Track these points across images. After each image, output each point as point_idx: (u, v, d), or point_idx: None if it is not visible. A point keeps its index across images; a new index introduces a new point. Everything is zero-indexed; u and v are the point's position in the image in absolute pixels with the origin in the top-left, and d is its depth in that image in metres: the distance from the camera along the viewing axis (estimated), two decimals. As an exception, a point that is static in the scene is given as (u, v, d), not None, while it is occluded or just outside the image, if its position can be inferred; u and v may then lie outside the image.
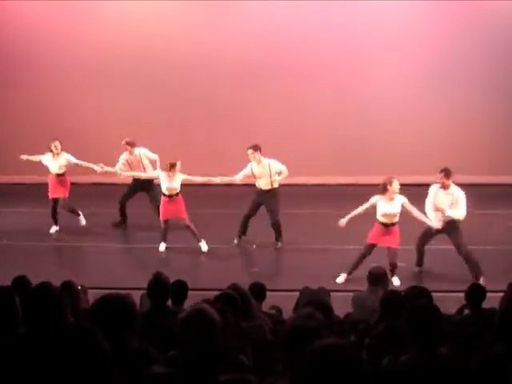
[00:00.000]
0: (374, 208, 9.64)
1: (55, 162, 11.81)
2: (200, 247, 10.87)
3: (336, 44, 14.68)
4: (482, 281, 9.11)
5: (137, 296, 6.58)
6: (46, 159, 11.88)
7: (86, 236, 11.86)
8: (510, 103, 14.71)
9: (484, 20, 14.43)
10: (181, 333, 3.21)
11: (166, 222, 10.91)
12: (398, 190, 9.42)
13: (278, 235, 11.10)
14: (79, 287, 6.46)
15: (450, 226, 9.65)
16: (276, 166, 11.12)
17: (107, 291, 3.78)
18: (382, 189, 9.42)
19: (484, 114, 14.74)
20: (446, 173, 9.63)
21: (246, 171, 11.09)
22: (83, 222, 12.05)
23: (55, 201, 11.91)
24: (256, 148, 10.98)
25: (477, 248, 10.37)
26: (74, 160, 11.85)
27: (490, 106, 14.70)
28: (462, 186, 9.90)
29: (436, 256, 9.84)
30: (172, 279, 5.94)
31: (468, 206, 9.65)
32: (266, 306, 7.07)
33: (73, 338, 2.68)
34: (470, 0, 14.49)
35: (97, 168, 11.84)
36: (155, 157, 12.12)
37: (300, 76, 14.71)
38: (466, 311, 6.44)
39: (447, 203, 9.61)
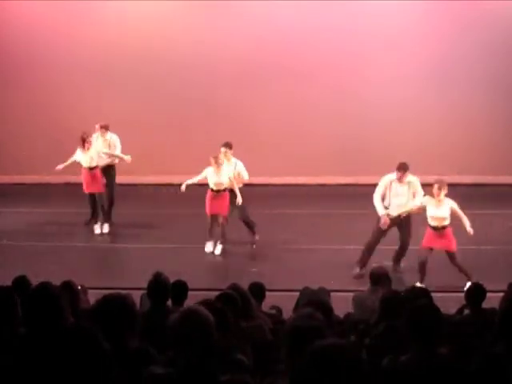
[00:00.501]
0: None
1: (86, 154, 11.69)
2: (216, 248, 10.88)
3: (336, 44, 14.69)
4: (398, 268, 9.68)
5: (137, 296, 6.58)
6: (78, 156, 11.76)
7: (86, 236, 11.85)
8: (510, 103, 14.71)
9: (484, 20, 14.44)
10: (174, 334, 3.18)
11: (212, 217, 10.82)
12: (438, 194, 9.25)
13: (251, 229, 11.12)
14: (79, 287, 6.45)
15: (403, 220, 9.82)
16: (240, 168, 11.07)
17: (107, 291, 3.78)
18: (430, 193, 9.43)
19: (484, 114, 14.74)
20: (401, 168, 9.71)
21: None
22: (98, 230, 11.91)
23: (92, 195, 11.84)
24: (230, 146, 11.00)
25: (477, 248, 10.38)
26: (104, 150, 11.79)
27: (489, 106, 14.70)
28: (462, 186, 9.91)
29: (436, 256, 9.82)
30: (172, 279, 5.93)
31: (468, 207, 9.64)
32: (265, 306, 7.07)
33: (73, 338, 2.67)
34: (470, 0, 14.50)
35: (126, 158, 11.81)
36: (118, 153, 12.13)
37: (300, 76, 14.71)
38: (466, 311, 6.44)
39: (407, 194, 9.71)
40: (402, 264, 9.93)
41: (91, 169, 11.72)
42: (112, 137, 12.18)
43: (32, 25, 15.07)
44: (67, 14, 15.01)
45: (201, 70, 14.82)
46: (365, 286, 7.57)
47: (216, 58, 14.80)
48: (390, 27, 14.50)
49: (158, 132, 14.95)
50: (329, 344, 2.52)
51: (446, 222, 9.33)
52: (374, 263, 8.59)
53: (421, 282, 9.28)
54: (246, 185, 11.43)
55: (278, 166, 14.45)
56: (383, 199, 9.80)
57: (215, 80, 14.88)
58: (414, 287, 6.10)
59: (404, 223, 9.86)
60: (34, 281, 5.38)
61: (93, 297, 6.09)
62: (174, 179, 14.30)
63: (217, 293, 5.46)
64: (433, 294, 5.90)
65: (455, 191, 10.00)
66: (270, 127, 14.78)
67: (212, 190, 10.78)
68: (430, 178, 10.80)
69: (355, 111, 14.75)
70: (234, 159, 11.09)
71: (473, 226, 9.32)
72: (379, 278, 7.11)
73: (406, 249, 9.91)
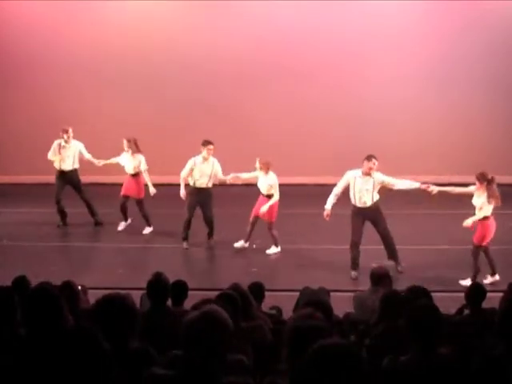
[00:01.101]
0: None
1: (131, 161, 11.70)
2: (270, 249, 10.92)
3: (336, 44, 14.69)
4: (400, 268, 9.70)
5: (137, 296, 6.57)
6: (123, 159, 11.78)
7: (85, 236, 11.85)
8: (510, 103, 14.71)
9: (484, 20, 14.45)
10: (190, 335, 3.11)
11: (255, 218, 10.82)
12: (476, 186, 9.40)
13: (211, 232, 11.18)
14: (79, 287, 6.44)
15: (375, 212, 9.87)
16: (218, 168, 11.10)
17: (107, 291, 3.78)
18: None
19: (484, 114, 14.75)
20: (373, 157, 9.87)
21: (188, 167, 11.01)
22: (147, 231, 11.95)
23: (126, 198, 11.80)
24: (212, 143, 10.96)
25: (477, 248, 10.37)
26: (143, 166, 11.71)
27: (489, 106, 14.71)
28: (462, 185, 9.89)
29: (436, 256, 9.84)
30: (172, 279, 5.93)
31: (468, 207, 9.63)
32: (265, 306, 7.07)
33: (73, 339, 2.67)
34: (470, 0, 14.50)
35: (152, 190, 11.71)
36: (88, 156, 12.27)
37: (300, 76, 14.72)
38: (466, 311, 6.44)
39: (372, 186, 9.78)
40: (403, 264, 9.91)
41: (133, 175, 11.76)
42: (78, 144, 12.22)
43: (32, 25, 15.07)
44: (67, 15, 15.02)
45: (201, 70, 14.83)
46: (365, 286, 7.56)
47: (216, 58, 14.80)
48: (390, 27, 14.51)
49: (157, 132, 14.94)
50: (329, 344, 2.52)
51: (477, 212, 9.41)
52: (373, 263, 8.58)
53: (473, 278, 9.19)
54: (246, 185, 11.45)
55: (278, 165, 14.41)
56: (344, 195, 9.88)
57: (215, 80, 14.89)
58: (414, 287, 6.08)
59: (375, 215, 9.87)
60: (34, 281, 5.38)
61: (93, 297, 6.08)
62: (174, 179, 14.32)
63: (217, 293, 5.46)
64: (433, 294, 5.89)
65: (455, 191, 9.98)
66: (270, 127, 14.78)
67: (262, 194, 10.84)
68: (429, 178, 10.83)
69: (355, 111, 14.75)
70: (212, 158, 11.06)
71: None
72: (380, 278, 7.09)
73: (391, 237, 9.88)
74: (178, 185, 11.13)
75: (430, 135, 14.69)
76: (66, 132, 12.07)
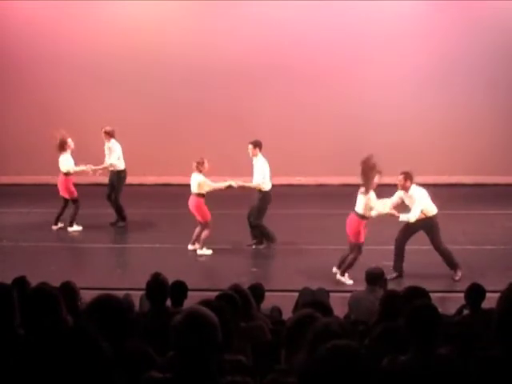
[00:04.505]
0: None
1: None
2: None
3: (336, 44, 14.70)
4: (458, 275, 9.44)
5: (137, 297, 6.58)
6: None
7: (86, 236, 11.85)
8: (510, 103, 14.71)
9: (483, 20, 14.45)
10: (177, 335, 3.09)
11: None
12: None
13: (267, 237, 11.04)
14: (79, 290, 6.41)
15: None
16: (257, 169, 11.01)
17: (107, 291, 3.78)
18: None
19: (484, 115, 14.75)
20: (406, 175, 9.60)
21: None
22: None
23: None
24: (251, 143, 10.90)
25: (477, 248, 10.39)
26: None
27: (489, 107, 14.71)
28: (462, 186, 9.89)
29: (436, 256, 9.82)
30: (171, 279, 5.92)
31: (468, 207, 9.63)
32: (265, 306, 7.07)
33: (72, 339, 2.67)
34: (470, 0, 14.50)
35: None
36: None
37: (300, 77, 14.72)
38: (466, 311, 6.44)
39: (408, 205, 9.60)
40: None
41: None
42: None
43: (32, 25, 15.07)
44: (67, 16, 15.03)
45: (200, 71, 14.82)
46: (363, 287, 7.55)
47: (216, 59, 14.79)
48: (389, 27, 14.52)
49: (158, 133, 14.95)
50: (340, 345, 2.53)
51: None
52: (372, 263, 8.57)
53: None
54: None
55: (278, 165, 14.43)
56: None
57: (215, 81, 14.88)
58: (412, 287, 6.08)
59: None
60: (34, 281, 5.38)
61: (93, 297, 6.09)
62: (174, 180, 14.35)
63: (217, 293, 5.46)
64: (432, 294, 5.89)
65: (455, 191, 10.01)
66: (270, 127, 14.77)
67: None
68: (429, 179, 10.83)
69: (355, 111, 14.75)
70: (255, 158, 11.01)
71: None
72: (376, 278, 7.09)
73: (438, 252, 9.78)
74: (178, 185, 11.13)
75: (430, 136, 14.69)
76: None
